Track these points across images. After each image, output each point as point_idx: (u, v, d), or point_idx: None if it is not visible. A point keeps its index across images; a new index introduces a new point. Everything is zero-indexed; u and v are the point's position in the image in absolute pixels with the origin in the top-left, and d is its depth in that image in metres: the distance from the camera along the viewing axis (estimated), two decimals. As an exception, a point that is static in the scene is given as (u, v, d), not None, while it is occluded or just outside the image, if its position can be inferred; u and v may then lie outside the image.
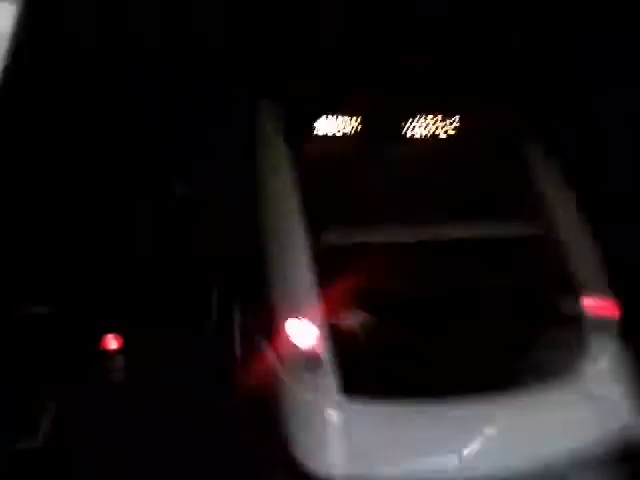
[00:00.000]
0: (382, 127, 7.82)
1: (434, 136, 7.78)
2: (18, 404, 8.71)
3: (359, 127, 7.59)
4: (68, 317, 10.79)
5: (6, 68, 2.89)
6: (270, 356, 6.71)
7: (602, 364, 7.06)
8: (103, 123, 14.63)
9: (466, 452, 6.57)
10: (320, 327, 6.58)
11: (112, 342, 10.64)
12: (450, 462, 6.61)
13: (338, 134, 7.62)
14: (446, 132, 7.90)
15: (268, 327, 6.83)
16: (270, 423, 6.82)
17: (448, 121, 7.93)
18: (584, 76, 15.75)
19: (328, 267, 6.85)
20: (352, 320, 7.02)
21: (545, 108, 9.14)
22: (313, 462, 6.38)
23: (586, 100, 15.81)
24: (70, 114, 14.29)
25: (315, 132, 7.80)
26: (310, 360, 6.55)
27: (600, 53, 15.28)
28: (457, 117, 7.98)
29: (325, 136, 7.60)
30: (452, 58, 9.21)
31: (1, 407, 7.90)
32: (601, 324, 7.15)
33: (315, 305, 6.60)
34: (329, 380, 6.52)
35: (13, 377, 8.82)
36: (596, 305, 7.25)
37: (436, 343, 7.01)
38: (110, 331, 10.61)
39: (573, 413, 6.83)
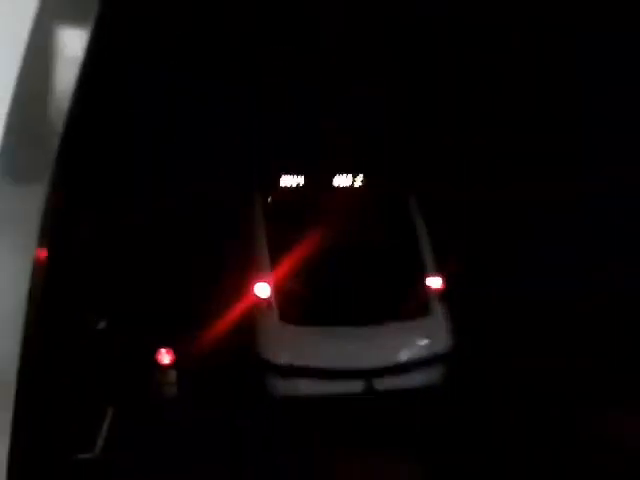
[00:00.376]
0: (317, 182, 12.30)
1: (352, 187, 12.31)
2: (77, 415, 8.69)
3: (303, 182, 12.17)
4: (124, 331, 10.86)
5: (75, 92, 2.93)
6: (248, 302, 11.43)
7: (434, 314, 11.58)
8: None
9: (352, 354, 10.88)
10: (271, 288, 11.41)
11: (165, 357, 10.57)
12: (341, 359, 10.87)
13: (292, 186, 12.23)
14: (359, 186, 12.36)
15: (247, 287, 11.59)
16: (248, 337, 11.28)
17: (360, 179, 12.35)
18: (584, 76, 15.82)
19: (278, 257, 11.41)
20: (288, 284, 11.44)
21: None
22: (267, 356, 11.02)
23: (586, 100, 15.91)
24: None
25: (279, 185, 12.26)
26: (266, 304, 11.32)
27: (601, 53, 15.32)
28: (367, 178, 12.33)
29: (285, 187, 12.24)
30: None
31: (61, 417, 7.87)
32: (435, 291, 11.78)
33: (270, 277, 11.44)
34: (275, 314, 11.24)
35: (73, 389, 8.81)
36: (433, 281, 11.84)
37: (337, 296, 11.18)
38: (163, 345, 10.56)
39: (418, 337, 11.44)
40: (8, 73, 2.88)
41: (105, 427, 9.07)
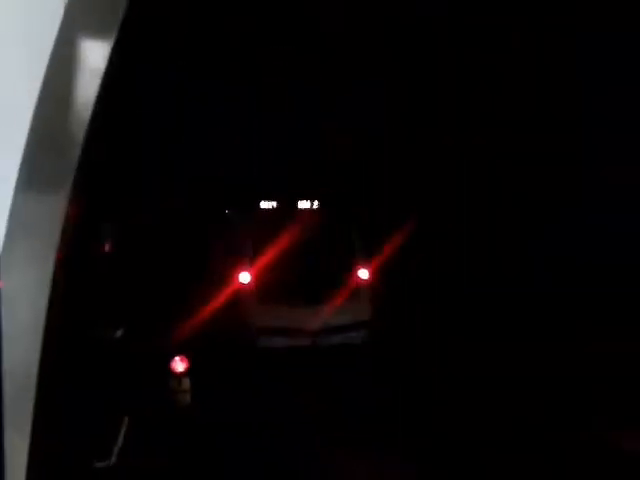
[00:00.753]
0: (285, 205, 16.34)
1: (310, 208, 16.44)
2: (94, 423, 8.68)
3: (276, 205, 16.38)
4: (140, 339, 11.04)
5: (97, 103, 2.95)
6: (235, 286, 15.48)
7: (362, 295, 15.84)
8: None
9: (304, 321, 15.15)
10: (251, 277, 15.54)
11: (179, 364, 10.65)
12: (297, 324, 15.11)
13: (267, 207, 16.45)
14: (315, 208, 16.60)
15: (233, 276, 15.58)
16: (236, 309, 15.32)
17: (315, 204, 16.60)
18: (584, 76, 15.84)
19: (256, 256, 15.41)
20: (263, 275, 15.39)
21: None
22: (252, 321, 15.36)
23: (586, 100, 15.93)
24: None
25: (259, 206, 16.34)
26: (247, 289, 15.56)
27: (601, 53, 15.34)
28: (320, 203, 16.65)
29: (262, 208, 16.34)
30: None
31: (79, 425, 7.85)
32: (363, 281, 15.88)
33: (250, 269, 15.50)
34: (254, 296, 15.48)
35: (91, 396, 8.81)
36: (362, 273, 15.90)
37: (297, 284, 15.16)
38: (178, 354, 10.68)
39: (349, 311, 15.36)
40: (32, 84, 2.90)
41: (121, 435, 9.05)
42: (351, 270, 15.75)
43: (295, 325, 15.18)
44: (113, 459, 8.51)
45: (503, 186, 16.93)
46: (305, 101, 17.08)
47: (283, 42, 16.48)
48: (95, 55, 2.92)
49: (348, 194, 17.52)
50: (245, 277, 15.62)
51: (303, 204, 16.30)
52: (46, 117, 2.93)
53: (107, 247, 12.27)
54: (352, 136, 17.62)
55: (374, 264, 15.97)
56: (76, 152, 3.05)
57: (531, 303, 15.80)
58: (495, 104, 16.73)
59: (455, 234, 17.13)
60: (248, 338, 15.30)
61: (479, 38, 16.51)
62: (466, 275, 16.73)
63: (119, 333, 10.29)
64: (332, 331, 15.30)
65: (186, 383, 10.66)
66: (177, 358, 10.64)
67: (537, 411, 11.40)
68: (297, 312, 15.26)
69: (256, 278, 15.49)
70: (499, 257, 17.08)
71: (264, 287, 15.37)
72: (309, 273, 15.42)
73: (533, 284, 16.23)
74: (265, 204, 16.29)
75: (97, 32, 2.93)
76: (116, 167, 14.45)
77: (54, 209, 3.11)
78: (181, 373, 10.64)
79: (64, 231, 3.16)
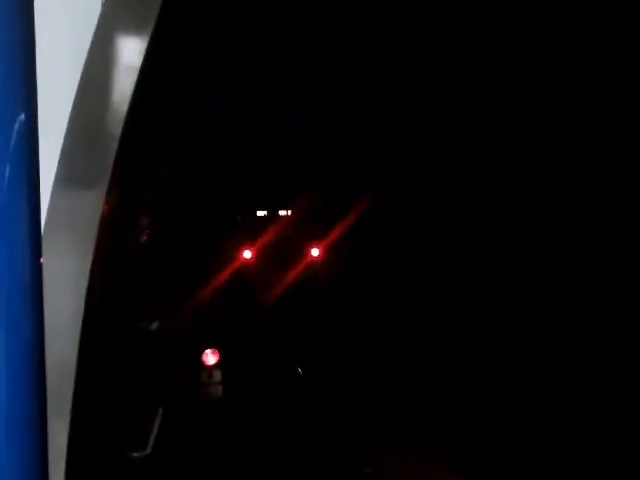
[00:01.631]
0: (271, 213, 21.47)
1: (286, 215, 21.68)
2: (130, 413, 8.72)
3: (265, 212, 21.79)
4: (174, 332, 11.20)
5: (134, 97, 2.97)
6: (240, 259, 20.32)
7: (316, 266, 21.51)
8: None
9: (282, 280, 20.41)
10: (252, 253, 20.39)
11: (211, 357, 10.81)
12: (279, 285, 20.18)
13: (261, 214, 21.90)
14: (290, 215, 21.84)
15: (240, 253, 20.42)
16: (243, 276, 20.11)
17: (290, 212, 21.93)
18: (584, 76, 15.89)
19: (255, 241, 20.56)
20: (259, 255, 20.38)
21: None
22: (253, 282, 20.14)
23: (586, 100, 15.99)
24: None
25: (256, 214, 21.75)
26: (249, 261, 20.33)
27: (600, 53, 15.39)
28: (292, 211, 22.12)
29: (258, 215, 21.68)
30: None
31: (115, 416, 7.85)
32: (316, 257, 21.67)
33: (252, 248, 20.35)
34: (254, 266, 20.51)
35: (128, 387, 8.86)
36: (314, 252, 20.62)
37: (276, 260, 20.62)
38: (209, 346, 10.85)
39: (309, 276, 21.82)
40: (70, 82, 2.91)
41: (156, 426, 9.10)
42: (307, 250, 21.20)
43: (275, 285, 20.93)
44: (148, 449, 8.56)
45: (503, 186, 16.98)
46: (305, 101, 17.10)
47: (283, 42, 16.50)
48: (131, 52, 2.93)
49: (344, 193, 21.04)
50: (248, 254, 21.25)
51: (283, 212, 22.13)
52: (84, 114, 2.94)
53: (144, 239, 12.31)
54: (352, 136, 17.68)
55: (323, 246, 21.23)
56: (114, 147, 3.06)
57: (531, 302, 15.84)
58: (495, 104, 16.78)
59: (455, 233, 17.17)
60: (250, 294, 20.44)
61: (479, 38, 16.54)
62: (466, 274, 16.76)
63: (155, 325, 10.35)
64: (296, 289, 20.76)
65: (217, 376, 10.76)
66: (208, 351, 10.72)
67: (535, 409, 11.44)
68: (275, 276, 20.84)
69: (255, 254, 21.10)
70: (499, 256, 17.12)
71: (259, 261, 21.02)
72: (285, 254, 20.91)
73: (534, 283, 16.28)
74: (260, 212, 22.51)
75: (133, 30, 2.94)
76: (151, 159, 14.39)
77: (92, 203, 3.13)
78: (212, 366, 10.74)
79: (102, 224, 3.18)
